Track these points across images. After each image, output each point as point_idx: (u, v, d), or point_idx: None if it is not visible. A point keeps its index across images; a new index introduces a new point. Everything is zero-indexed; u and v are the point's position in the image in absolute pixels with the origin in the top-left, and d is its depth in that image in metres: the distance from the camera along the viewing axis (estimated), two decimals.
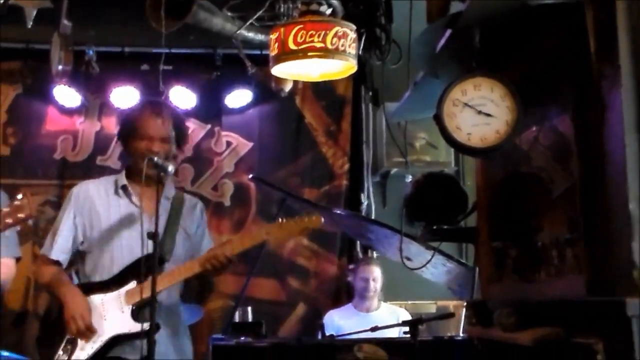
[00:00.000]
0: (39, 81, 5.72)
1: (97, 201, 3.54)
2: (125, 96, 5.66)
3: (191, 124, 5.86)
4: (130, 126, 3.50)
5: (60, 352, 3.30)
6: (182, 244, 3.50)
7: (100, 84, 5.73)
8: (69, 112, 5.83)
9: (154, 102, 3.72)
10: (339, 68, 3.16)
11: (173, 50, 5.49)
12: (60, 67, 4.98)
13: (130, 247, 3.40)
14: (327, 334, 4.07)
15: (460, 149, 2.52)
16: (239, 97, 5.86)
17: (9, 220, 3.13)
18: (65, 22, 4.77)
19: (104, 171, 5.82)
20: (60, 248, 3.50)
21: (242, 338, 3.77)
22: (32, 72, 5.77)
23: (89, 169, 5.82)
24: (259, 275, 5.59)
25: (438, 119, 2.49)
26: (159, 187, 3.14)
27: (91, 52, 5.58)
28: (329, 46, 2.97)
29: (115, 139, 3.90)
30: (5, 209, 3.14)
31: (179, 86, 5.68)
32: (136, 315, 3.32)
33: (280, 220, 3.38)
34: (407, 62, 3.44)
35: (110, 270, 3.42)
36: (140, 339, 3.12)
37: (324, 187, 6.02)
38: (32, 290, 5.63)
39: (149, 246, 3.11)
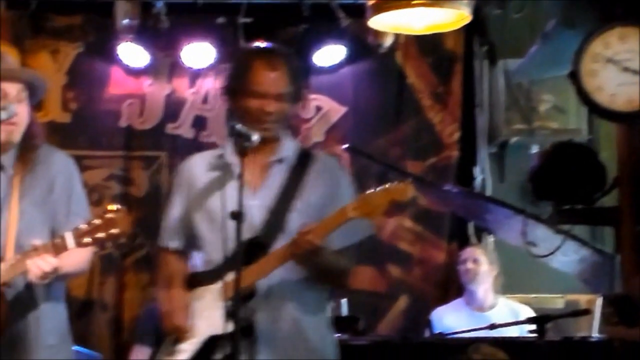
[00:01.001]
0: (102, 38, 5.82)
1: (198, 177, 3.37)
2: (198, 54, 5.73)
3: None
4: (237, 80, 3.32)
5: (163, 350, 3.30)
6: (303, 220, 3.21)
7: (170, 40, 5.79)
8: (135, 73, 5.92)
9: (267, 49, 3.41)
10: (448, 18, 3.13)
11: (253, 0, 5.51)
12: (125, 22, 5.07)
13: (247, 228, 3.17)
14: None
15: (601, 113, 2.47)
16: (329, 54, 5.85)
17: (100, 235, 3.11)
18: None
19: (174, 140, 5.96)
20: (170, 234, 3.40)
21: (337, 335, 3.75)
22: (95, 27, 5.87)
23: (159, 138, 5.94)
24: None
25: (574, 77, 2.44)
26: (242, 160, 3.11)
27: (160, 4, 5.65)
28: None
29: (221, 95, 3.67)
30: (97, 221, 3.12)
31: (260, 42, 5.69)
32: (231, 313, 3.14)
33: (364, 193, 3.16)
34: (533, 9, 3.37)
35: (214, 259, 3.28)
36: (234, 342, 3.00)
37: (430, 159, 5.98)
38: (98, 277, 5.79)
39: (255, 228, 3.07)
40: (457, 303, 5.44)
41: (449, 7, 2.94)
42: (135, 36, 5.52)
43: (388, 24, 3.16)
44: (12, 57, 3.45)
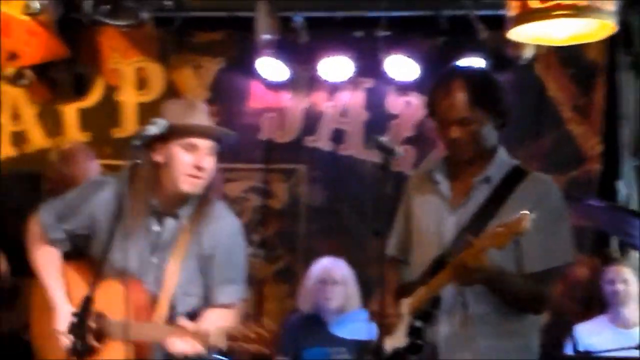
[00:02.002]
0: (243, 53, 5.91)
1: (414, 191, 3.41)
2: (336, 67, 5.76)
3: (412, 98, 5.86)
4: (427, 106, 3.34)
5: None
6: None
7: (309, 54, 5.84)
8: (275, 87, 5.99)
9: (444, 74, 3.35)
10: (592, 28, 3.01)
11: (392, 14, 5.49)
12: (266, 37, 5.12)
13: (439, 244, 3.24)
14: None
15: None
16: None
17: (244, 346, 3.13)
18: None
19: (313, 153, 5.99)
20: (393, 244, 3.44)
21: None
22: (236, 43, 5.98)
23: (297, 151, 5.99)
24: None
25: None
26: (382, 173, 3.08)
27: (299, 19, 5.70)
28: (581, 3, 2.83)
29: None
30: (248, 332, 3.13)
31: (398, 54, 5.68)
32: (411, 329, 3.18)
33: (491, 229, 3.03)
34: None
35: (415, 272, 3.30)
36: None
37: (571, 173, 5.80)
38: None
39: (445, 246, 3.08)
40: (601, 320, 5.27)
41: (593, 17, 2.84)
42: (275, 51, 5.58)
43: (528, 35, 3.07)
44: (204, 108, 3.50)
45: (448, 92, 3.20)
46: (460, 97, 3.17)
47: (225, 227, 3.48)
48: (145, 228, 3.42)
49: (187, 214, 3.43)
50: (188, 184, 3.33)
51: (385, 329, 3.15)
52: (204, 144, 3.33)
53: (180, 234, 3.43)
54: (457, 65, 3.36)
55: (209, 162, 3.36)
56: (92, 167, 4.63)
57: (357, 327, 4.72)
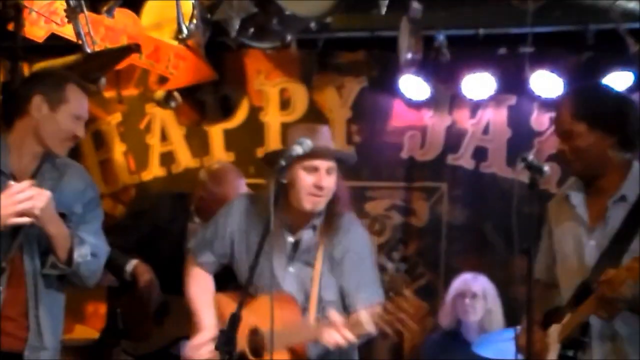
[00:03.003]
0: (385, 72, 5.91)
1: (553, 215, 3.42)
2: (479, 85, 5.68)
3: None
4: None
5: None
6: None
7: (451, 72, 5.78)
8: (417, 105, 5.96)
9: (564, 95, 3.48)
10: None
11: (536, 29, 5.37)
12: (409, 56, 5.10)
13: (581, 269, 3.20)
14: None
15: None
16: (616, 81, 5.57)
17: (393, 320, 3.25)
18: (416, 4, 4.87)
19: (455, 171, 5.92)
20: (540, 267, 3.42)
21: None
22: (378, 62, 5.98)
23: (439, 169, 5.93)
24: None
25: None
26: (528, 192, 3.03)
27: (441, 37, 5.65)
28: None
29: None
30: (391, 307, 3.26)
31: (542, 70, 5.55)
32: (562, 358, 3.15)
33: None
34: None
35: (565, 297, 3.26)
36: None
37: None
38: None
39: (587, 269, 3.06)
40: None
41: None
42: (417, 69, 5.55)
43: None
44: (325, 130, 3.68)
45: (557, 106, 3.28)
46: (563, 110, 3.22)
47: (355, 237, 3.69)
48: (283, 241, 3.64)
49: (318, 226, 3.65)
50: (310, 203, 3.58)
51: (535, 355, 3.07)
52: (324, 165, 3.57)
53: (314, 245, 3.64)
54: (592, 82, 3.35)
55: (329, 181, 3.58)
56: (241, 186, 4.71)
57: (500, 347, 4.63)
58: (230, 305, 3.55)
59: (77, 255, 3.30)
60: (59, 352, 3.46)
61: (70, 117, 3.35)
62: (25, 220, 3.15)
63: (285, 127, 6.08)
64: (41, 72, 3.60)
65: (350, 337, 3.34)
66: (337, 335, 3.34)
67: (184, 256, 4.13)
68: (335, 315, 3.39)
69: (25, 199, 3.13)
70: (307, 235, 3.65)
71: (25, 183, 3.18)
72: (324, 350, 3.51)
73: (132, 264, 4.59)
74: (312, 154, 3.44)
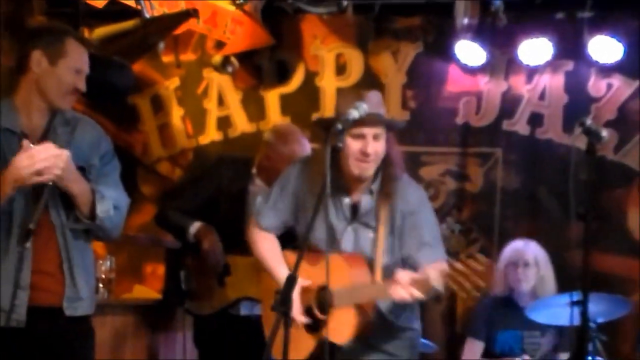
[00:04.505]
0: (441, 38, 5.88)
1: None
2: (535, 50, 5.61)
3: (614, 80, 5.66)
4: None
5: None
6: None
7: (508, 37, 5.72)
8: (472, 70, 5.89)
9: None
10: None
11: None
12: (465, 21, 5.06)
13: None
14: None
15: None
16: None
17: (463, 282, 3.26)
18: None
19: (510, 137, 5.88)
20: None
21: None
22: (434, 28, 5.93)
23: (494, 135, 5.89)
24: None
25: None
26: (586, 157, 3.00)
27: (498, 2, 5.58)
28: None
29: None
30: (461, 267, 3.28)
31: (602, 35, 5.46)
32: None
33: None
34: None
35: None
36: None
37: None
38: None
39: None
40: None
41: None
42: (473, 34, 5.49)
43: None
44: (373, 96, 3.64)
45: None
46: None
47: (413, 198, 3.70)
48: (340, 203, 3.68)
49: (375, 191, 3.66)
50: (357, 168, 3.59)
51: None
52: (370, 132, 3.56)
53: (373, 209, 3.66)
54: None
55: (375, 147, 3.57)
56: (306, 145, 4.71)
57: (552, 312, 4.61)
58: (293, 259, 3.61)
59: (99, 211, 3.32)
60: (94, 302, 3.49)
61: (70, 71, 3.34)
62: (45, 178, 3.16)
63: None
64: (40, 28, 3.58)
65: (418, 294, 3.36)
66: (403, 292, 3.36)
67: (245, 218, 4.16)
68: (402, 273, 3.41)
69: (44, 159, 3.14)
70: (364, 200, 3.68)
71: (45, 144, 3.20)
72: (391, 305, 3.58)
73: (195, 226, 4.63)
74: (358, 121, 3.46)
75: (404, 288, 3.36)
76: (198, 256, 4.66)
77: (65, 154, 3.20)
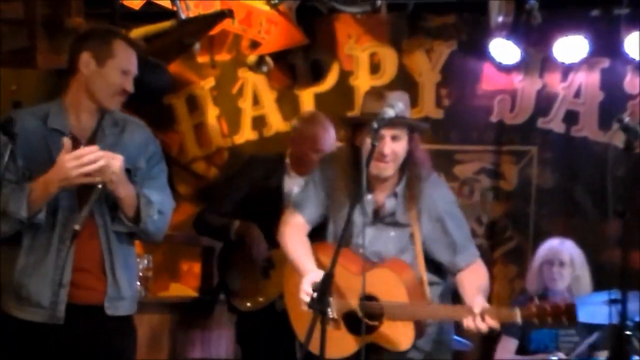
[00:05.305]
0: (475, 36, 5.85)
1: None
2: (570, 48, 5.55)
3: None
4: None
5: None
6: None
7: (542, 35, 5.66)
8: (507, 69, 5.85)
9: None
10: None
11: None
12: (500, 19, 5.03)
13: None
14: None
15: None
16: None
17: (546, 320, 3.25)
18: None
19: (546, 135, 5.83)
20: None
21: None
22: (468, 26, 5.90)
23: (529, 133, 5.85)
24: None
25: None
26: (624, 154, 2.97)
27: (532, 0, 5.54)
28: None
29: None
30: (548, 307, 3.24)
31: (637, 33, 5.39)
32: None
33: None
34: None
35: None
36: None
37: None
38: None
39: None
40: None
41: None
42: (508, 33, 5.45)
43: None
44: (395, 97, 3.60)
45: None
46: None
47: (440, 198, 3.67)
48: (363, 201, 3.63)
49: (400, 193, 3.64)
50: (375, 168, 3.54)
51: None
52: (388, 132, 3.51)
53: (403, 211, 3.64)
54: None
55: (393, 148, 3.53)
56: (330, 131, 4.72)
57: (589, 310, 4.56)
58: (325, 254, 3.60)
59: (144, 215, 3.34)
60: (136, 302, 3.51)
61: (118, 72, 3.37)
62: (96, 179, 3.19)
63: None
64: (89, 30, 3.61)
65: (495, 325, 3.32)
66: (481, 324, 3.31)
67: (284, 210, 4.17)
68: (479, 300, 3.36)
69: (94, 160, 3.17)
70: (389, 203, 3.66)
71: (91, 146, 3.23)
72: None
73: (235, 224, 4.66)
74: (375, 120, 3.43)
75: (484, 320, 3.31)
76: (242, 253, 4.67)
77: (119, 158, 3.23)
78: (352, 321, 3.58)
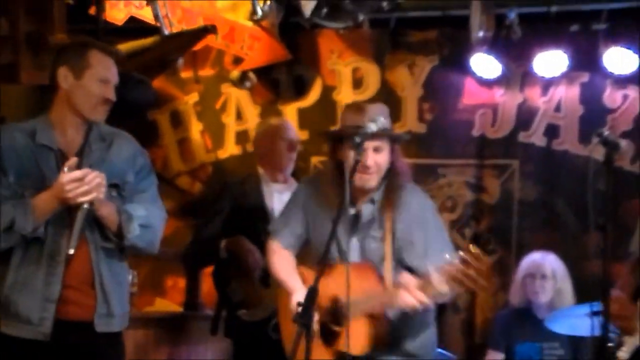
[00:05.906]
0: (456, 51, 5.87)
1: None
2: (550, 62, 5.59)
3: (630, 91, 5.61)
4: None
5: None
6: None
7: (523, 50, 5.70)
8: (488, 83, 5.89)
9: None
10: None
11: (609, 5, 5.27)
12: (480, 34, 5.06)
13: None
14: None
15: None
16: None
17: (462, 279, 3.20)
18: None
19: (527, 149, 5.86)
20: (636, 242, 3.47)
21: None
22: (449, 41, 5.94)
23: (511, 146, 5.87)
24: None
25: None
26: (603, 168, 2.99)
27: (512, 15, 5.58)
28: None
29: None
30: (459, 264, 3.20)
31: (617, 47, 5.44)
32: None
33: None
34: None
35: None
36: None
37: None
38: None
39: None
40: None
41: None
42: (489, 47, 5.48)
43: None
44: (373, 110, 3.63)
45: None
46: None
47: (417, 206, 3.68)
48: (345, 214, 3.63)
49: (379, 198, 3.66)
50: (359, 180, 3.57)
51: (625, 330, 3.05)
52: (370, 144, 3.54)
53: (378, 219, 3.66)
54: None
55: (375, 159, 3.57)
56: (288, 122, 4.81)
57: (572, 322, 4.58)
58: (309, 274, 3.62)
59: (125, 232, 3.32)
60: (127, 319, 3.49)
61: (96, 81, 3.35)
62: (88, 199, 3.19)
63: None
64: (65, 45, 3.59)
65: (423, 298, 3.34)
66: (410, 298, 3.35)
67: (268, 216, 4.16)
68: (407, 277, 3.42)
69: (89, 180, 3.18)
70: (366, 210, 3.68)
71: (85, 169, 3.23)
72: (401, 314, 3.53)
73: (223, 242, 4.65)
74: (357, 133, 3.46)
75: (411, 293, 3.36)
76: (237, 267, 4.65)
77: (102, 176, 3.22)
78: (324, 330, 3.60)
